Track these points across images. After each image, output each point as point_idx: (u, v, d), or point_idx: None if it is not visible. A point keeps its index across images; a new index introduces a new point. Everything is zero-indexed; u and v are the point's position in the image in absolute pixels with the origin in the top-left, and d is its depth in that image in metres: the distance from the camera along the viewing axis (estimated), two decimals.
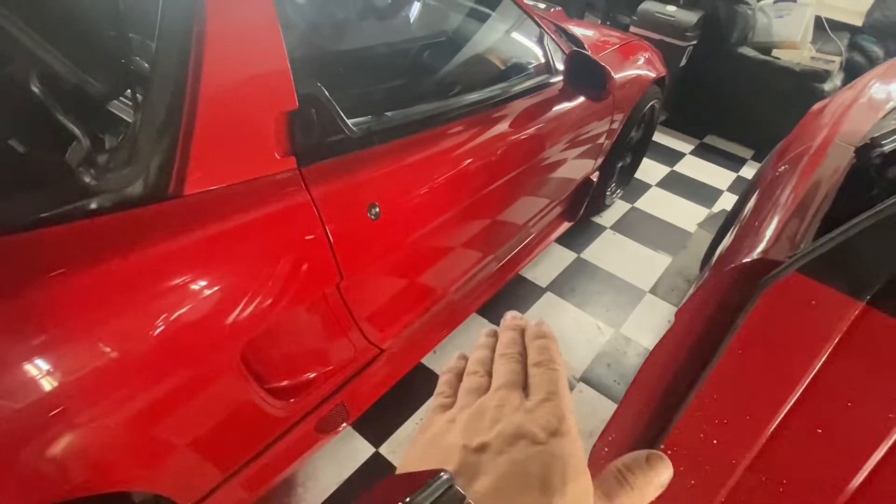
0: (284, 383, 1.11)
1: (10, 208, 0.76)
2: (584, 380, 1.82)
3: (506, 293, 2.05)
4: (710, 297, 0.98)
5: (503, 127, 1.48)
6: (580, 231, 2.53)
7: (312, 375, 1.17)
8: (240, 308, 0.88)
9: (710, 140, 3.68)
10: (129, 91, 0.96)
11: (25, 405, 0.65)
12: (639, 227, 2.65)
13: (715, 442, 0.95)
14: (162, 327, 0.78)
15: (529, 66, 1.71)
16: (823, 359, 0.84)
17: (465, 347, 1.79)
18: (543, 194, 1.90)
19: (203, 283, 0.83)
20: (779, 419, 0.89)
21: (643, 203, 2.86)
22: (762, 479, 0.92)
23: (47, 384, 0.67)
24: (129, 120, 0.94)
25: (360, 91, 1.31)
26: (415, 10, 1.91)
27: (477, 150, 1.38)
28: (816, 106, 1.86)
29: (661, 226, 2.69)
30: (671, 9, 3.28)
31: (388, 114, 1.21)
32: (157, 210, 0.82)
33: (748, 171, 3.29)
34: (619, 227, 2.64)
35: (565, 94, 1.75)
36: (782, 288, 0.88)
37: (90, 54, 0.85)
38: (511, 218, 1.74)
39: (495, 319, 1.98)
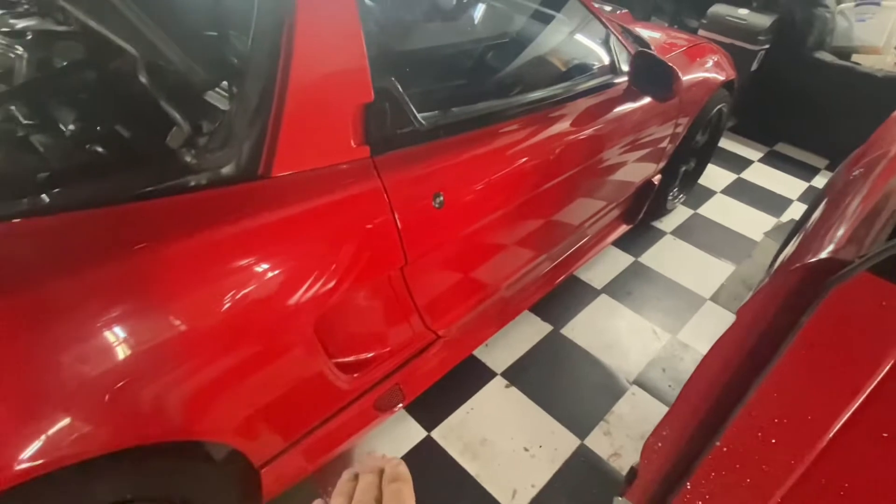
0: (349, 359, 1.18)
1: (118, 183, 0.86)
2: (638, 383, 1.80)
3: (560, 292, 2.06)
4: (774, 296, 0.97)
5: (565, 125, 1.51)
6: (639, 235, 2.50)
7: (374, 354, 1.23)
8: (315, 282, 0.95)
9: (781, 148, 3.53)
10: (224, 83, 1.05)
11: (130, 354, 0.74)
12: (701, 234, 2.59)
13: (773, 441, 0.94)
14: (248, 293, 0.86)
15: (593, 66, 1.73)
16: (893, 361, 0.82)
17: (516, 343, 1.81)
18: (602, 195, 1.90)
19: (284, 256, 0.91)
20: (842, 421, 0.87)
21: (707, 209, 2.79)
22: (822, 481, 0.90)
23: (146, 338, 0.76)
24: (223, 108, 1.04)
25: (428, 88, 1.37)
26: (479, 12, 1.96)
27: (538, 146, 1.42)
28: None
29: (725, 233, 2.61)
30: (743, 12, 3.18)
31: (454, 109, 1.26)
32: (248, 188, 0.91)
33: (821, 181, 3.15)
34: (680, 232, 2.59)
35: (629, 95, 1.75)
36: (851, 288, 0.86)
37: (195, 48, 0.95)
38: (568, 217, 1.76)
39: (547, 318, 2.00)
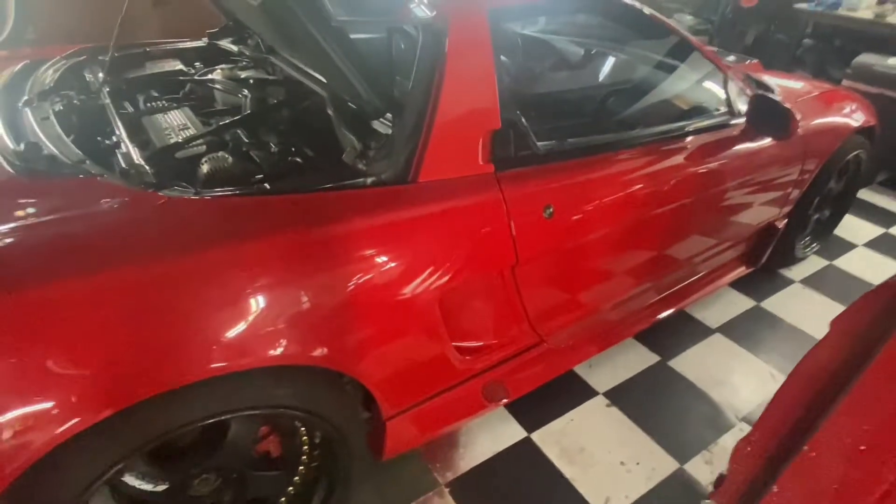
0: (464, 344, 1.38)
1: (313, 179, 1.19)
2: (747, 420, 1.78)
3: (669, 326, 2.09)
4: (868, 308, 1.01)
5: (676, 160, 1.64)
6: (763, 280, 2.44)
7: (485, 343, 1.43)
8: (443, 266, 1.19)
9: None
10: (388, 113, 1.37)
11: (311, 297, 1.02)
12: (835, 285, 2.46)
13: (862, 448, 0.96)
14: (394, 268, 1.12)
15: (709, 107, 1.84)
16: None
17: (620, 368, 1.90)
18: (715, 231, 1.95)
19: (423, 243, 1.17)
20: None
21: (844, 262, 2.63)
22: None
23: (324, 289, 1.04)
24: (385, 132, 1.34)
25: (550, 123, 1.59)
26: (604, 64, 2.17)
27: (646, 177, 1.57)
28: None
29: (864, 286, 2.45)
30: (893, 61, 3.03)
31: (570, 139, 1.47)
32: (402, 189, 1.19)
33: None
34: (810, 282, 2.48)
35: (746, 136, 1.83)
36: None
37: (371, 89, 1.27)
38: (677, 249, 1.84)
39: (654, 348, 2.05)
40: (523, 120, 1.36)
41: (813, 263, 2.60)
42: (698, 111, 1.83)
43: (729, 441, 1.70)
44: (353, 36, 1.26)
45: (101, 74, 1.72)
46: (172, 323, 0.91)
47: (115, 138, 1.37)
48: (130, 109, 1.62)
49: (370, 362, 1.16)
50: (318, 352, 1.05)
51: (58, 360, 0.83)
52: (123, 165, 1.20)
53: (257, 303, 0.96)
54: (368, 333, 1.13)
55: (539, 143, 1.38)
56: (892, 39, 3.29)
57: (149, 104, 1.66)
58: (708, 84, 1.88)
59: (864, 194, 3.22)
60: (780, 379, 1.94)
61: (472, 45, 1.28)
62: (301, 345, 1.03)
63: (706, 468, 1.62)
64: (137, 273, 0.91)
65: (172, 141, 1.40)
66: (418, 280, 1.16)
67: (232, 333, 0.94)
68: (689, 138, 1.70)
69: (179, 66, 1.95)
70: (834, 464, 0.99)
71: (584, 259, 1.54)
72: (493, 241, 1.27)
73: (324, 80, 1.52)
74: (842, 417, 0.99)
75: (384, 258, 1.12)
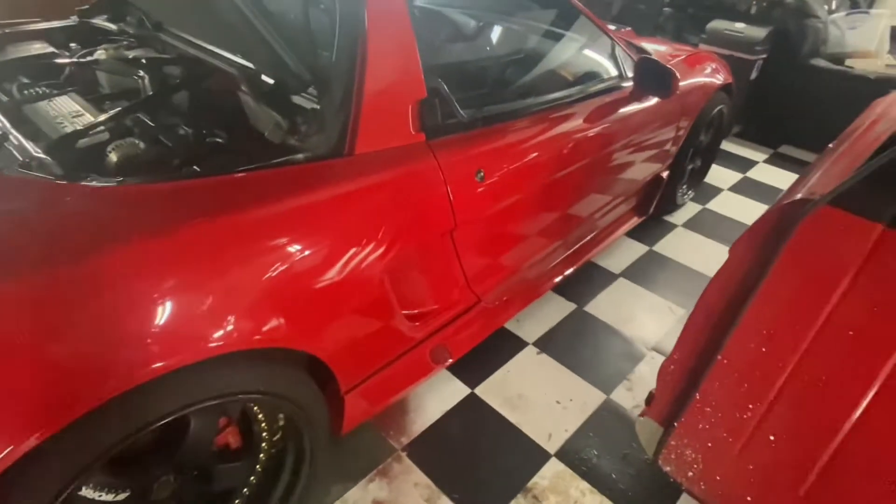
0: (412, 311, 1.42)
1: (245, 158, 1.14)
2: (656, 349, 2.01)
3: (580, 277, 2.28)
4: (758, 233, 1.19)
5: (577, 122, 1.78)
6: (653, 227, 2.73)
7: (430, 308, 1.48)
8: (387, 235, 1.21)
9: (785, 150, 3.76)
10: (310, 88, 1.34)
11: (263, 276, 1.00)
12: (711, 226, 2.81)
13: (764, 349, 1.15)
14: (338, 240, 1.13)
15: (601, 73, 2.00)
16: (850, 277, 1.03)
17: (544, 318, 2.03)
18: (612, 187, 2.15)
19: (366, 214, 1.18)
20: (816, 328, 1.08)
21: (715, 204, 3.01)
22: (804, 378, 1.11)
23: (277, 264, 1.02)
24: (307, 107, 1.31)
25: (466, 91, 1.65)
26: (496, 33, 2.26)
27: (555, 139, 1.69)
28: (875, 101, 2.00)
29: (734, 224, 2.83)
30: (740, 25, 3.46)
31: (488, 106, 1.54)
32: (337, 163, 1.19)
33: None
34: (690, 224, 2.81)
35: (634, 97, 2.02)
36: (816, 219, 1.08)
37: (294, 62, 1.23)
38: (582, 205, 2.01)
39: (571, 297, 2.23)
40: (445, 88, 1.40)
41: (690, 209, 2.95)
42: (595, 76, 1.98)
43: (644, 369, 1.92)
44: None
45: None
46: (121, 318, 0.86)
47: None
48: (4, 98, 1.43)
49: (327, 338, 1.17)
50: (278, 333, 1.04)
51: None
52: (21, 158, 1.08)
53: (212, 288, 0.93)
54: (324, 309, 1.13)
55: (462, 111, 1.43)
56: (737, 6, 3.73)
57: (26, 91, 1.47)
58: (600, 51, 2.04)
59: (724, 145, 3.68)
60: (679, 312, 2.22)
61: (391, 13, 1.29)
62: (260, 327, 1.01)
63: (628, 395, 1.82)
64: (76, 269, 0.84)
65: (67, 129, 1.27)
66: (367, 251, 1.17)
67: (188, 322, 0.90)
68: (589, 101, 1.85)
69: (49, 48, 1.74)
70: (743, 366, 1.18)
71: (511, 219, 1.64)
72: (433, 207, 1.32)
73: (229, 56, 1.45)
74: (745, 327, 1.17)
75: (332, 232, 1.12)
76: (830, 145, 1.62)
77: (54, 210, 0.94)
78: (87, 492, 0.95)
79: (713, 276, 1.24)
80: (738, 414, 1.20)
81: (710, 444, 1.25)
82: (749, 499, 1.19)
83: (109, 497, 0.97)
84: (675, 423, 1.29)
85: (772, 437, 1.17)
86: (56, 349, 0.81)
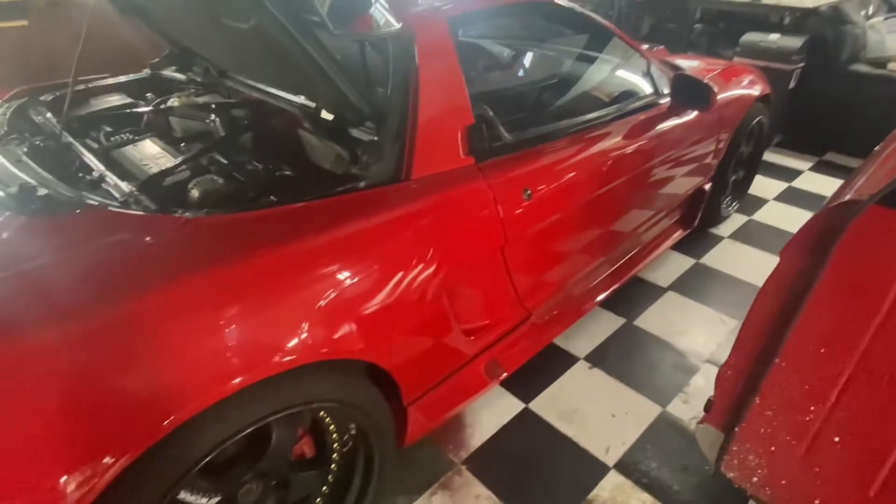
0: (467, 326, 1.49)
1: (311, 187, 1.25)
2: (710, 361, 2.00)
3: (628, 292, 2.29)
4: (807, 236, 1.21)
5: (622, 139, 1.84)
6: (698, 241, 2.72)
7: (484, 323, 1.54)
8: (445, 253, 1.29)
9: (830, 157, 3.69)
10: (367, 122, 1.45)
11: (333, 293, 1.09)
12: (758, 236, 2.78)
13: (822, 351, 1.15)
14: (401, 258, 1.21)
15: (638, 91, 2.06)
16: None
17: (593, 334, 2.06)
18: (653, 201, 2.18)
19: (426, 233, 1.26)
20: (874, 327, 1.09)
21: (761, 215, 2.98)
22: (865, 377, 1.11)
23: (346, 282, 1.11)
24: (366, 139, 1.42)
25: (508, 116, 1.74)
26: (535, 60, 2.36)
27: (600, 156, 1.75)
28: None
29: (781, 234, 2.79)
30: (774, 36, 3.46)
31: (532, 128, 1.62)
32: (396, 188, 1.28)
33: None
34: (737, 236, 2.79)
35: (671, 113, 2.06)
36: (865, 219, 1.10)
37: (354, 97, 1.35)
38: (625, 219, 2.04)
39: (619, 312, 2.24)
40: (491, 113, 1.49)
41: (736, 220, 2.93)
42: (632, 94, 2.04)
43: (699, 381, 1.91)
44: None
45: (49, 115, 1.69)
46: (209, 336, 0.95)
47: (94, 173, 1.36)
48: (95, 146, 1.60)
49: (392, 350, 1.24)
50: (350, 345, 1.12)
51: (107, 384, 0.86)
52: (118, 196, 1.21)
53: (300, 304, 1.03)
54: (390, 323, 1.21)
55: (508, 134, 1.52)
56: (769, 18, 3.74)
57: (111, 139, 1.64)
58: (636, 70, 2.11)
59: (766, 156, 3.64)
60: (730, 323, 2.20)
61: (438, 49, 1.40)
62: (334, 341, 1.09)
63: (685, 407, 1.82)
64: (187, 285, 0.95)
65: (153, 170, 1.41)
66: (427, 268, 1.25)
67: (280, 333, 1.00)
68: (628, 118, 1.91)
69: (127, 99, 1.93)
70: (802, 369, 1.19)
71: (557, 235, 1.69)
72: (486, 225, 1.39)
73: (290, 97, 1.58)
74: (801, 329, 1.18)
75: (395, 251, 1.20)
76: (877, 148, 1.62)
77: (152, 239, 1.06)
78: (184, 495, 1.03)
79: (765, 281, 1.26)
80: (800, 416, 1.20)
81: (773, 448, 1.25)
82: (817, 502, 1.18)
83: (203, 501, 1.06)
84: (736, 429, 1.29)
85: (836, 439, 1.16)
86: (153, 367, 0.89)
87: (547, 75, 2.06)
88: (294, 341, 1.03)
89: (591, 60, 2.10)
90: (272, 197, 1.26)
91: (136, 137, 1.65)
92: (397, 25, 1.36)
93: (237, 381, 0.94)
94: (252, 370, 0.96)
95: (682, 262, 2.59)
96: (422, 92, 1.33)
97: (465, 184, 1.36)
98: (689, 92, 1.94)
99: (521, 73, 2.12)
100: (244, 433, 1.00)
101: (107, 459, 0.83)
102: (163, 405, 0.89)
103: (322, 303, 1.07)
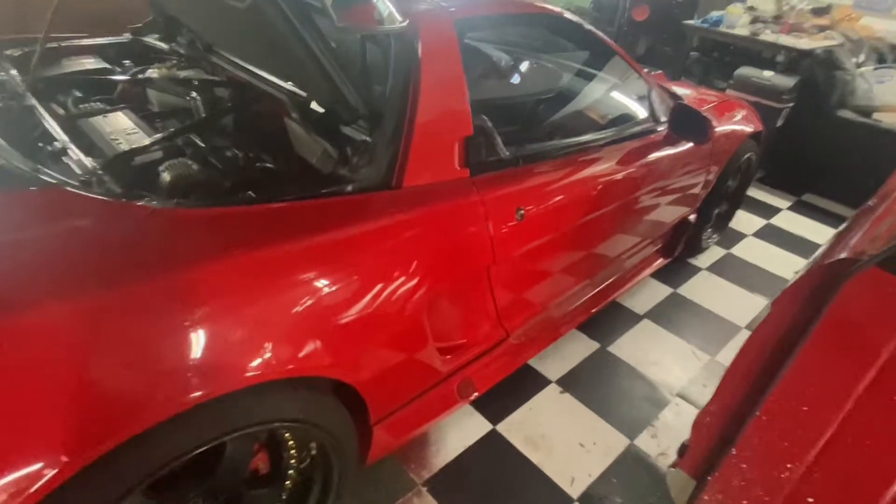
0: (443, 344, 1.42)
1: (292, 184, 1.16)
2: (681, 395, 1.98)
3: (605, 316, 2.27)
4: (800, 291, 1.19)
5: (617, 164, 1.79)
6: (677, 270, 2.71)
7: (461, 342, 1.48)
8: (432, 266, 1.22)
9: (809, 198, 3.75)
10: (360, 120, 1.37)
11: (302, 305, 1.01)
12: (735, 271, 2.79)
13: (805, 409, 1.13)
14: (383, 269, 1.14)
15: (636, 116, 2.02)
16: None
17: (567, 357, 2.02)
18: (640, 228, 2.15)
19: (412, 245, 1.19)
20: (860, 391, 1.07)
21: (739, 250, 3.00)
22: (848, 440, 1.09)
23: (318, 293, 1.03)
24: (357, 138, 1.34)
25: (506, 130, 1.67)
26: (538, 74, 2.30)
27: (591, 181, 1.70)
28: None
29: (758, 271, 2.81)
30: (768, 73, 3.49)
31: (530, 145, 1.56)
32: (386, 195, 1.20)
33: None
34: (715, 268, 2.80)
35: (667, 141, 2.03)
36: (862, 280, 1.08)
37: (350, 93, 1.26)
38: (612, 244, 2.01)
39: (594, 336, 2.21)
40: (490, 125, 1.42)
41: (714, 252, 2.94)
42: (631, 119, 2.00)
43: (668, 416, 1.89)
44: None
45: (13, 72, 1.54)
46: (163, 346, 0.86)
47: (56, 144, 1.24)
48: (61, 111, 1.47)
49: (362, 368, 1.17)
50: (317, 362, 1.04)
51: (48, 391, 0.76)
52: (79, 173, 1.10)
53: (269, 314, 0.94)
54: (362, 339, 1.13)
55: (505, 149, 1.45)
56: (763, 54, 3.78)
57: (80, 106, 1.52)
58: (637, 94, 2.07)
59: (748, 191, 3.68)
60: (703, 358, 2.19)
61: (442, 51, 1.33)
62: (299, 356, 1.01)
63: (653, 442, 1.79)
64: (145, 287, 0.85)
65: (122, 146, 1.30)
66: (410, 283, 1.18)
67: (243, 346, 0.91)
68: (624, 144, 1.87)
69: (102, 63, 1.79)
70: (783, 425, 1.16)
71: (545, 257, 1.64)
72: (475, 242, 1.33)
73: (279, 82, 1.48)
74: (786, 385, 1.16)
75: (379, 263, 1.13)
76: (870, 202, 1.62)
77: (112, 230, 0.96)
78: None
79: (754, 331, 1.23)
80: (776, 473, 1.18)
81: (745, 502, 1.22)
82: None
83: None
84: (709, 478, 1.26)
85: (811, 500, 1.14)
86: (101, 374, 0.81)
87: (548, 91, 2.00)
88: (259, 356, 0.94)
89: (595, 81, 2.05)
90: (249, 192, 1.17)
91: (108, 108, 1.53)
92: (403, 22, 1.28)
93: (194, 395, 0.85)
94: (211, 385, 0.87)
95: (660, 291, 2.58)
96: (422, 95, 1.25)
97: (457, 197, 1.29)
98: (688, 123, 1.92)
99: (522, 85, 2.05)
100: (196, 452, 0.92)
101: (45, 471, 0.74)
102: (110, 416, 0.80)
103: (293, 315, 0.99)
